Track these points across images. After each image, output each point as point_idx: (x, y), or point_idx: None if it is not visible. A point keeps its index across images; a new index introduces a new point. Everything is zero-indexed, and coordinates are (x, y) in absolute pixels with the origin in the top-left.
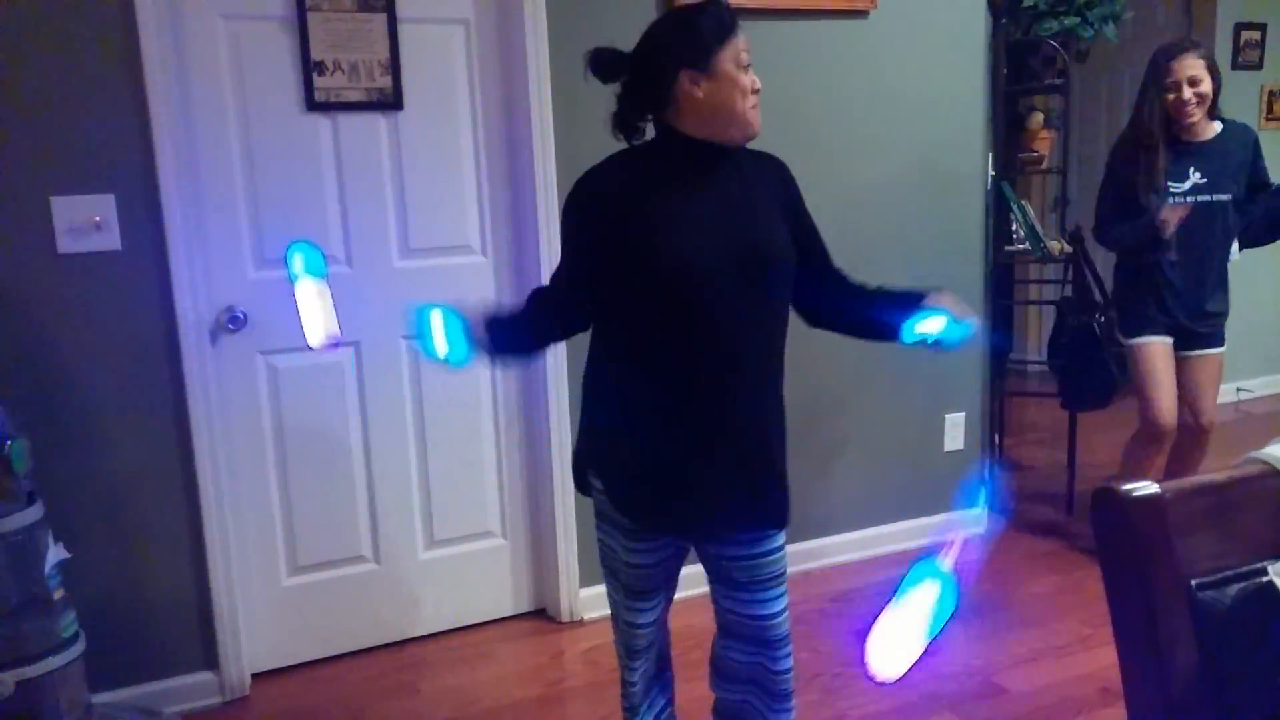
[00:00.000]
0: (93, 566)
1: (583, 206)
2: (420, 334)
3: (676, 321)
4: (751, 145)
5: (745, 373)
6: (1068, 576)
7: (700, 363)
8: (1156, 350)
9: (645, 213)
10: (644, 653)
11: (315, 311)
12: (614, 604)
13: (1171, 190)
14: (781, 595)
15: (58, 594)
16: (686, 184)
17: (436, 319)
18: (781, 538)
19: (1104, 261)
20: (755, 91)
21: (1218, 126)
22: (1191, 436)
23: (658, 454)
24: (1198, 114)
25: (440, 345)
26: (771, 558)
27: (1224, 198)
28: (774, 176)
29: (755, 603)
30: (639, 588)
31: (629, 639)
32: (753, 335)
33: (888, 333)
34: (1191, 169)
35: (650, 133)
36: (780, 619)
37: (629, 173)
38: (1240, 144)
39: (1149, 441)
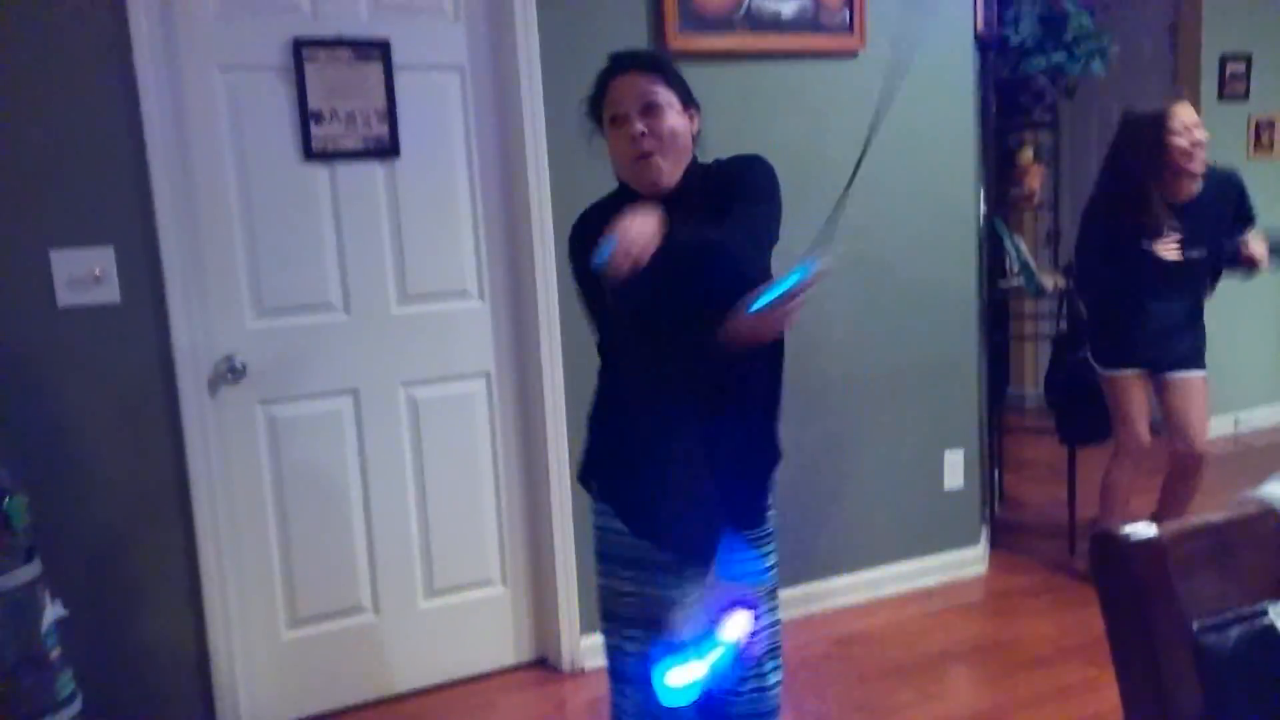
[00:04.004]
0: (90, 622)
1: (571, 242)
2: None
3: (637, 351)
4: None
5: (705, 396)
6: (1072, 616)
7: (660, 391)
8: (1131, 381)
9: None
10: None
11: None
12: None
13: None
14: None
15: (55, 652)
16: None
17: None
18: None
19: None
20: (632, 141)
21: (1199, 185)
22: (1184, 465)
23: (650, 466)
24: (1200, 162)
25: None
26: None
27: (1197, 254)
28: (714, 194)
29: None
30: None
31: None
32: (706, 363)
33: None
34: (1169, 229)
35: None
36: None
37: (609, 211)
38: (1221, 194)
39: (1129, 463)
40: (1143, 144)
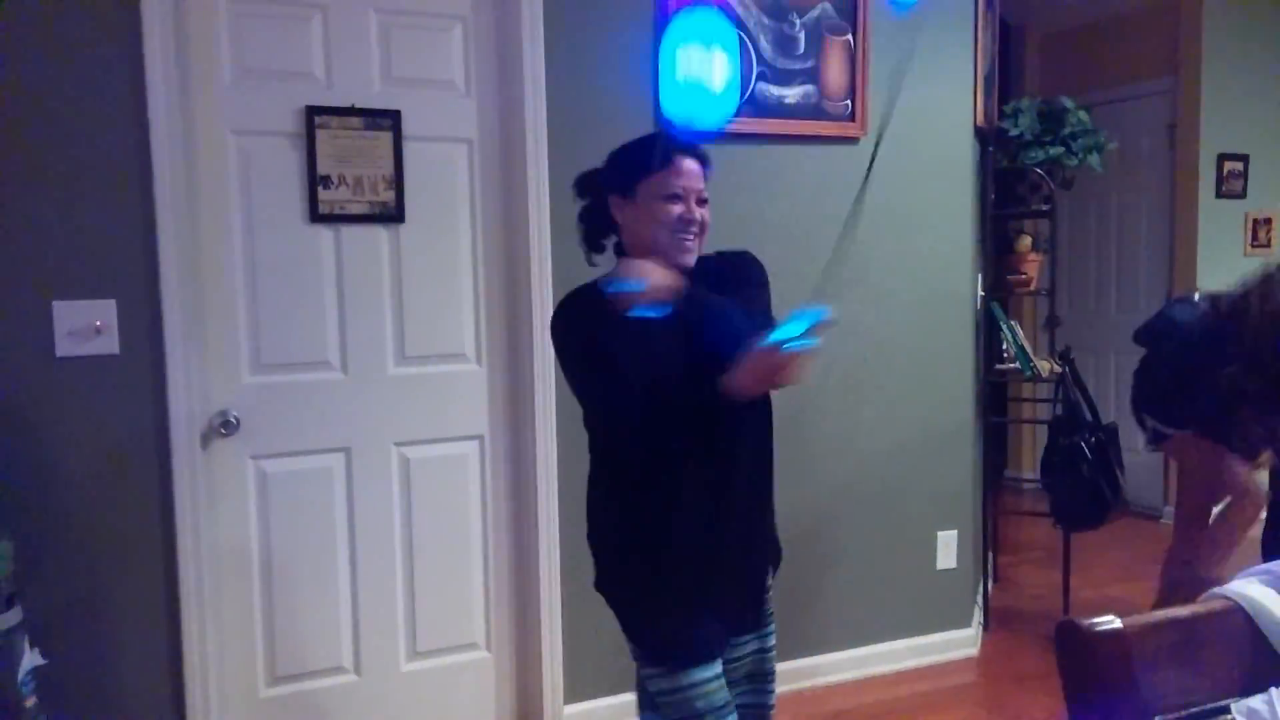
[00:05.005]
0: (67, 671)
1: (583, 313)
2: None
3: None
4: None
5: (739, 475)
6: (1062, 701)
7: (687, 471)
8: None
9: (613, 330)
10: None
11: None
12: None
13: None
14: None
15: (29, 701)
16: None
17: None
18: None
19: (1095, 383)
20: (688, 223)
21: None
22: None
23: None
24: None
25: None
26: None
27: None
28: (713, 280)
29: (767, 693)
30: (727, 699)
31: None
32: (746, 438)
33: None
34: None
35: None
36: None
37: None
38: None
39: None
40: None
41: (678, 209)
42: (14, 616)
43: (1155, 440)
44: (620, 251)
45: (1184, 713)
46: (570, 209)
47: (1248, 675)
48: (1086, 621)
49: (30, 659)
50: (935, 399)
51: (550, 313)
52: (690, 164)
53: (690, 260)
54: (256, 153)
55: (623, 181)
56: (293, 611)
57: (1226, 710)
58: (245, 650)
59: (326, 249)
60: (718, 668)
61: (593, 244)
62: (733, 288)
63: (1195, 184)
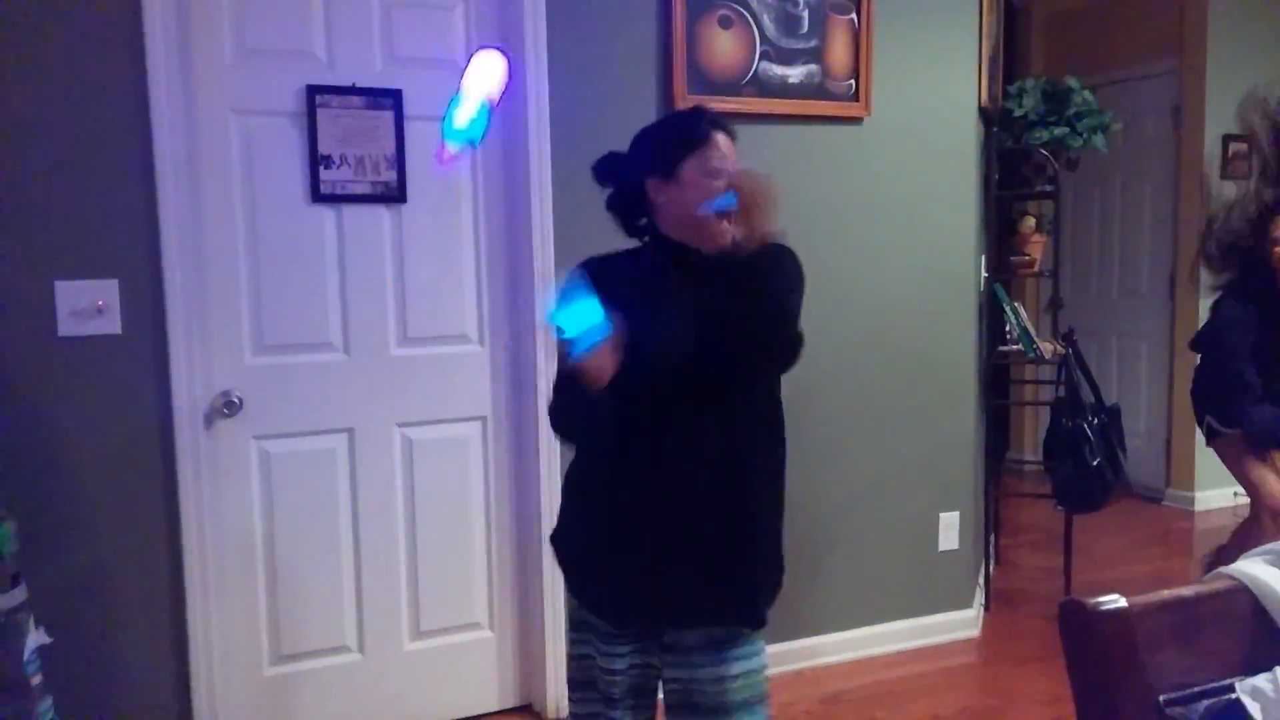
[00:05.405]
0: (72, 650)
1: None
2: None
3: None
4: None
5: (675, 465)
6: (1063, 683)
7: (625, 455)
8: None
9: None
10: None
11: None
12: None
13: None
14: None
15: (35, 680)
16: (664, 285)
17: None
18: (756, 660)
19: (1098, 365)
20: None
21: None
22: None
23: (596, 536)
24: None
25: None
26: (737, 683)
27: None
28: (746, 273)
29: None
30: (616, 694)
31: None
32: (688, 433)
33: None
34: None
35: None
36: None
37: (618, 267)
38: None
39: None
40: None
41: (721, 185)
42: (19, 595)
43: (1210, 437)
44: (654, 232)
45: (1188, 691)
46: (572, 189)
47: (1252, 654)
48: (1091, 600)
49: (35, 638)
50: (937, 380)
51: (553, 292)
52: (724, 138)
53: (726, 241)
54: (258, 132)
55: (663, 163)
56: (296, 591)
57: (1231, 689)
58: (249, 629)
59: (328, 229)
60: (586, 648)
61: (632, 230)
62: (761, 280)
63: (1200, 165)
